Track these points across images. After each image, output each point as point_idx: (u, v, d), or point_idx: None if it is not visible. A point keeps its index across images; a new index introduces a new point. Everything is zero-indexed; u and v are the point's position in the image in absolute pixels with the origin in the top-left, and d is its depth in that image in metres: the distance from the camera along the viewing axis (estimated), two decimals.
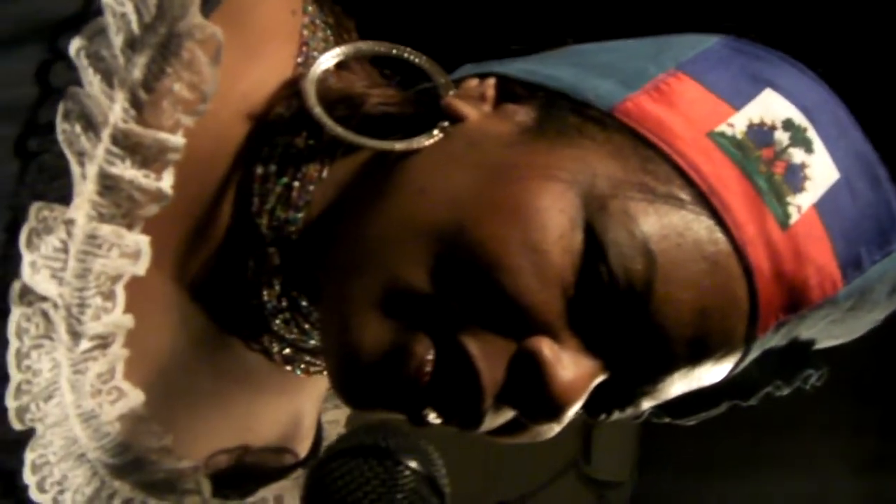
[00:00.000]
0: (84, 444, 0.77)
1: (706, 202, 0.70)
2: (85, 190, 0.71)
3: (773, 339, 0.74)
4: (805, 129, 0.74)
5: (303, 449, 0.92)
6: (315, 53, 0.79)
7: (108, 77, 0.70)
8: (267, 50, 0.78)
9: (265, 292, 0.78)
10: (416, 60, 0.79)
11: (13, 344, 0.72)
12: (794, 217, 0.72)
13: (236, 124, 0.77)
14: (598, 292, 0.69)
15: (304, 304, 0.79)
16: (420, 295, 0.69)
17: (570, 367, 0.70)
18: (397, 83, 0.81)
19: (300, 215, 0.77)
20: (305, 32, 0.79)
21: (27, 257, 0.70)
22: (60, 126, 0.70)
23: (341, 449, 0.66)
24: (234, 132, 0.77)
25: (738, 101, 0.74)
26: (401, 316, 0.70)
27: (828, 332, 0.78)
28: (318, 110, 0.75)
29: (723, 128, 0.72)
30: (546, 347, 0.69)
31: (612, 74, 0.75)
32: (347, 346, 0.71)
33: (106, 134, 0.71)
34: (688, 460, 2.79)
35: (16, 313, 0.71)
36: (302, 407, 0.91)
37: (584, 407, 0.74)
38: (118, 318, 0.75)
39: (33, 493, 0.76)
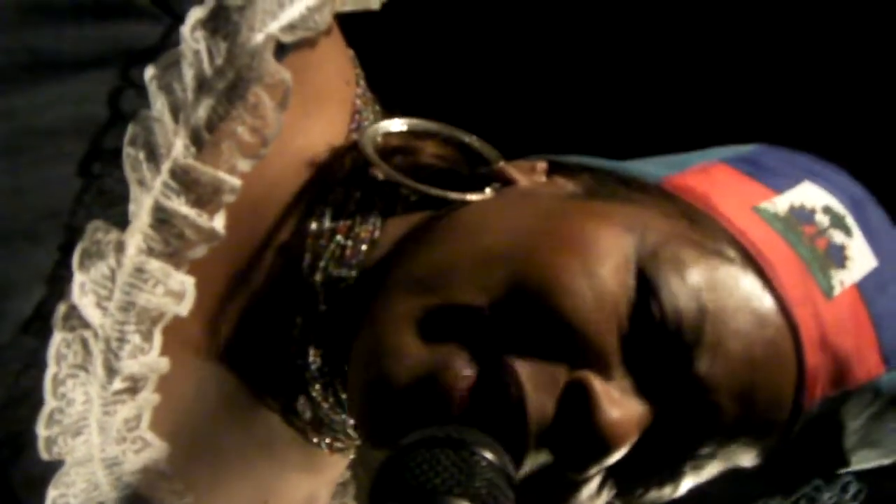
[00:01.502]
0: (105, 493, 0.74)
1: (753, 262, 0.72)
2: (140, 220, 0.71)
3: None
4: (844, 217, 0.76)
5: None
6: (366, 123, 0.81)
7: (174, 110, 0.71)
8: (322, 111, 0.80)
9: (311, 352, 0.76)
10: (467, 139, 0.82)
11: (51, 368, 0.70)
12: (838, 289, 0.73)
13: (289, 176, 0.77)
14: (649, 331, 0.69)
15: (345, 369, 0.77)
16: (468, 313, 0.68)
17: (620, 404, 0.68)
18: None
19: (353, 273, 0.77)
20: (358, 102, 0.82)
21: (78, 278, 0.69)
22: (126, 149, 0.70)
23: (413, 441, 0.63)
24: (287, 184, 0.77)
25: (779, 187, 0.77)
26: (443, 338, 0.68)
27: (866, 434, 0.77)
28: (374, 156, 0.77)
29: (765, 205, 0.75)
30: (596, 381, 0.68)
31: (658, 163, 0.80)
32: (382, 369, 0.69)
33: (165, 167, 0.71)
34: None
35: (57, 337, 0.70)
36: (318, 491, 0.88)
37: (622, 481, 0.73)
38: (154, 360, 0.73)
39: None
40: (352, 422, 0.80)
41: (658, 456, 0.71)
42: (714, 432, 0.71)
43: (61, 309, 0.69)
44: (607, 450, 0.68)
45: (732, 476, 0.75)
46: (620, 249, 0.70)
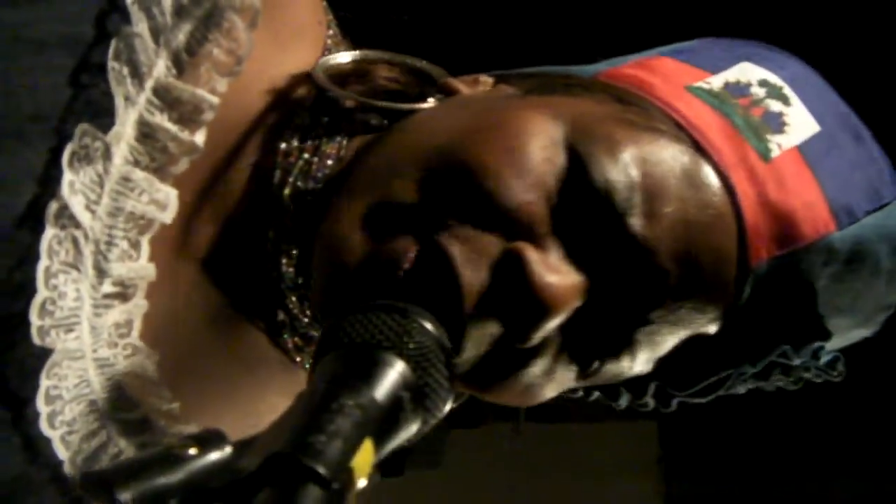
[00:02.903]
0: (95, 391, 0.78)
1: (685, 133, 0.76)
2: (125, 132, 0.77)
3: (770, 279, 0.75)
4: (781, 88, 0.80)
5: None
6: None
7: (155, 32, 0.78)
8: (297, 46, 0.86)
9: (284, 261, 0.81)
10: (417, 65, 0.89)
11: (44, 261, 0.74)
12: (775, 152, 0.76)
13: (263, 103, 0.83)
14: (580, 203, 0.72)
15: None
16: (405, 204, 0.73)
17: (556, 269, 0.72)
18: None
19: (319, 186, 0.82)
20: (329, 41, 0.88)
21: (68, 176, 0.74)
22: (111, 63, 0.76)
23: (353, 308, 0.65)
24: (260, 110, 0.83)
25: (715, 69, 0.81)
26: (385, 227, 0.73)
27: (833, 295, 0.78)
28: (326, 81, 0.83)
29: (699, 84, 0.79)
30: (529, 248, 0.72)
31: (599, 64, 0.85)
32: (333, 257, 0.74)
33: (148, 85, 0.78)
34: None
35: (49, 232, 0.75)
36: None
37: (576, 354, 0.76)
38: (142, 266, 0.78)
39: (43, 425, 0.75)
40: None
41: (607, 325, 0.74)
42: (660, 296, 0.74)
43: (53, 206, 0.74)
44: (545, 312, 0.71)
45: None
46: (546, 132, 0.74)
